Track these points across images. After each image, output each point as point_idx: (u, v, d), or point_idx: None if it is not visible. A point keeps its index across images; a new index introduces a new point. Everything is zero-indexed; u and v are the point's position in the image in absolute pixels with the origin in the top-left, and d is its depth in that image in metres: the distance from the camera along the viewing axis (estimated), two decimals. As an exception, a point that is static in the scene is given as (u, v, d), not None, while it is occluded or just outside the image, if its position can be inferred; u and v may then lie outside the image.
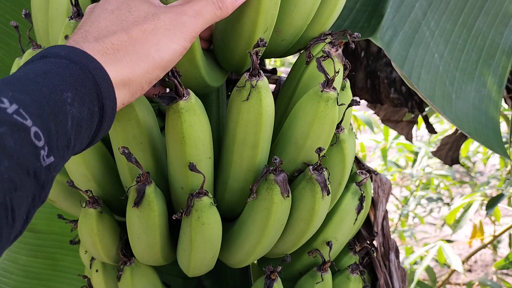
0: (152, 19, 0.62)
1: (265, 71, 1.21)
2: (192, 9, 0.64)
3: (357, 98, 0.83)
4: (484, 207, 2.03)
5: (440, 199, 3.16)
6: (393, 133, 3.12)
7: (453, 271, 2.38)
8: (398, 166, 3.23)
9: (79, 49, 0.56)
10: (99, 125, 0.56)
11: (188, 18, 0.63)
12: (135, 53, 0.59)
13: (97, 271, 0.91)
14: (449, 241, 2.21)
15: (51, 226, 1.29)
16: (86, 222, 0.79)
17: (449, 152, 1.96)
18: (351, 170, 0.96)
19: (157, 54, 0.60)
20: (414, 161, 3.19)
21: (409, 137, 1.98)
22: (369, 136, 3.39)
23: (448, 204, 3.24)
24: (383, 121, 1.90)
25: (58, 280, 1.30)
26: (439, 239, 2.23)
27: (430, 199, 3.11)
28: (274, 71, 1.20)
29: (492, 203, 1.86)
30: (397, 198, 3.25)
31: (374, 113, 1.88)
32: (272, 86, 1.15)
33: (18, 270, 1.29)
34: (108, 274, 0.91)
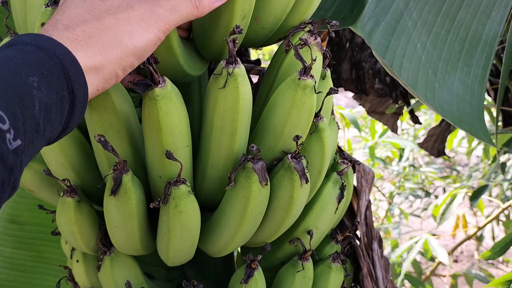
0: (126, 8, 0.61)
1: (249, 61, 1.21)
2: (169, 3, 0.64)
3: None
4: (469, 199, 2.03)
5: (428, 194, 3.18)
6: (378, 128, 3.15)
7: (439, 263, 2.40)
8: (385, 162, 3.26)
9: (46, 36, 0.55)
10: (70, 110, 0.56)
11: (164, 11, 0.63)
12: (108, 39, 0.59)
13: (77, 261, 0.91)
14: (434, 234, 2.22)
15: (35, 218, 1.28)
16: (64, 212, 0.79)
17: (435, 143, 1.98)
18: (334, 160, 0.97)
19: (131, 42, 0.60)
20: (400, 157, 3.22)
21: (394, 129, 1.99)
22: (356, 133, 3.41)
23: (436, 197, 3.26)
24: (368, 112, 1.91)
25: (42, 272, 1.30)
26: (425, 233, 2.25)
27: (417, 196, 3.14)
28: (258, 62, 1.20)
29: (476, 194, 1.87)
30: (383, 194, 3.27)
31: (360, 104, 1.89)
32: (256, 77, 1.15)
33: (2, 262, 1.29)
34: (88, 264, 0.91)
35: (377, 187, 3.07)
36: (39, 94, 0.51)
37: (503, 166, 2.20)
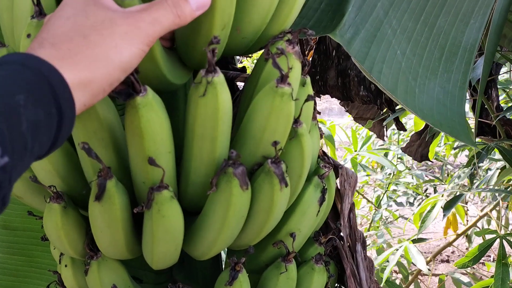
0: (110, 24, 0.63)
1: (235, 69, 1.24)
2: (151, 16, 0.66)
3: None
4: (442, 209, 2.04)
5: (411, 202, 3.22)
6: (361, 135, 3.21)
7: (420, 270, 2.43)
8: (370, 168, 3.31)
9: (33, 54, 0.58)
10: (59, 126, 0.57)
11: (146, 24, 0.65)
12: (94, 56, 0.61)
13: (66, 266, 0.93)
14: (420, 239, 2.25)
15: (27, 223, 1.30)
16: (51, 217, 0.81)
17: (418, 148, 2.02)
18: (317, 164, 0.99)
19: (117, 57, 0.62)
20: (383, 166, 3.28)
21: (381, 135, 2.02)
22: (342, 141, 3.48)
23: (427, 196, 3.30)
24: (355, 119, 1.95)
25: (35, 277, 1.32)
26: (411, 236, 2.28)
27: (400, 204, 3.18)
28: (243, 69, 1.23)
29: (449, 204, 1.87)
30: (369, 201, 3.31)
31: (347, 111, 1.92)
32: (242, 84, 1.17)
33: (-5, 268, 1.31)
34: (77, 269, 0.93)
35: (362, 194, 3.11)
36: (26, 112, 0.52)
37: (471, 177, 2.24)
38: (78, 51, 0.60)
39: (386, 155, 3.27)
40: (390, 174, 3.45)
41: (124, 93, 0.69)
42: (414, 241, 2.23)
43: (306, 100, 0.82)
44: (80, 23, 0.63)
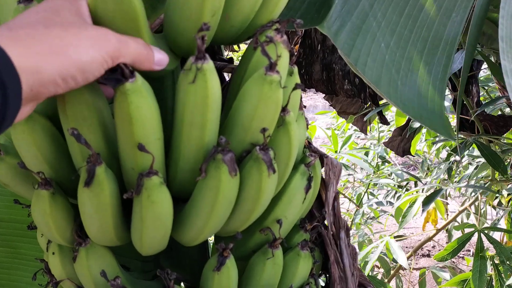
0: (79, 26, 0.63)
1: (222, 60, 1.24)
2: (122, 37, 0.66)
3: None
4: (422, 204, 2.09)
5: (390, 202, 3.30)
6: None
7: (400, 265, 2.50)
8: (351, 168, 3.37)
9: None
10: (4, 102, 0.55)
11: (115, 39, 0.65)
12: (52, 46, 0.59)
13: (53, 253, 0.93)
14: (400, 236, 2.30)
15: (12, 215, 1.29)
16: (39, 204, 0.81)
17: (400, 143, 2.06)
18: (303, 153, 1.02)
19: (75, 53, 0.60)
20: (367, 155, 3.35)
21: (363, 130, 2.06)
22: (323, 141, 3.54)
23: (404, 188, 3.38)
24: (339, 113, 1.98)
25: (19, 268, 1.31)
26: (392, 233, 2.34)
27: (380, 203, 3.25)
28: (231, 60, 1.24)
29: (428, 199, 1.91)
30: (350, 199, 3.37)
31: (331, 105, 1.96)
32: (229, 75, 1.18)
33: (-22, 259, 1.29)
34: (64, 256, 0.93)
35: (343, 194, 3.17)
36: None
37: (449, 171, 2.30)
38: (35, 36, 0.58)
39: (366, 154, 3.33)
40: (370, 175, 3.51)
41: (113, 79, 0.69)
42: (395, 237, 2.29)
43: (294, 89, 0.83)
44: (48, 17, 0.62)
